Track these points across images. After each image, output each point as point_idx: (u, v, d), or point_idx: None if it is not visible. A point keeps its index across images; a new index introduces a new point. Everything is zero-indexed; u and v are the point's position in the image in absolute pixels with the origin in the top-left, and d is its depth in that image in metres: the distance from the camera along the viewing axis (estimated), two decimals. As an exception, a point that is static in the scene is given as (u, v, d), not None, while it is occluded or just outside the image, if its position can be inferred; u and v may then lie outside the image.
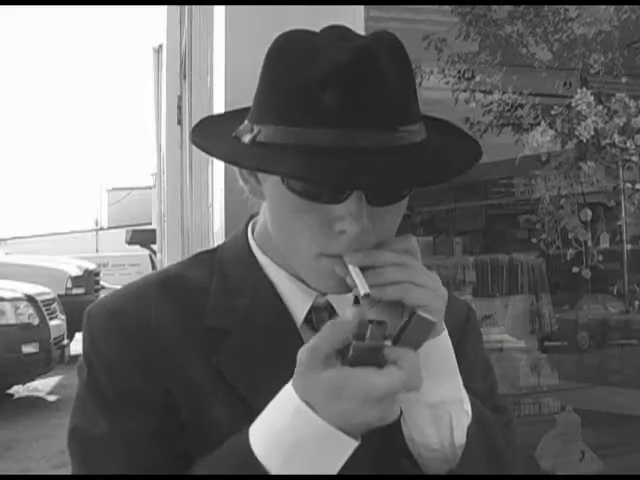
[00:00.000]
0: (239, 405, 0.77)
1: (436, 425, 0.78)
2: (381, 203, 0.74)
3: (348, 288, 0.74)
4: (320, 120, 0.70)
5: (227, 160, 0.80)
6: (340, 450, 0.68)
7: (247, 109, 0.81)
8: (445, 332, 0.78)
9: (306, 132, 0.71)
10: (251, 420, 0.72)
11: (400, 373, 0.66)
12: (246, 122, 0.79)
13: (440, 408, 0.78)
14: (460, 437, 0.79)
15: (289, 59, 0.74)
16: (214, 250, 0.90)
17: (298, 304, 0.83)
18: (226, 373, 0.78)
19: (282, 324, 0.82)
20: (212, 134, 0.83)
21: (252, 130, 0.76)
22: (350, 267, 0.73)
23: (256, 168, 0.78)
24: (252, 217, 0.90)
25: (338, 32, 0.75)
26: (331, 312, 0.83)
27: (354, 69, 0.70)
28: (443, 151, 0.76)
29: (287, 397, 0.68)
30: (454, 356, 0.79)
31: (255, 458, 0.68)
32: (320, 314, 0.83)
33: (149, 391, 0.77)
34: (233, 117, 0.84)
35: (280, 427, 0.68)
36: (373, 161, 0.70)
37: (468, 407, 0.80)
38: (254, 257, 0.85)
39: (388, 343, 0.68)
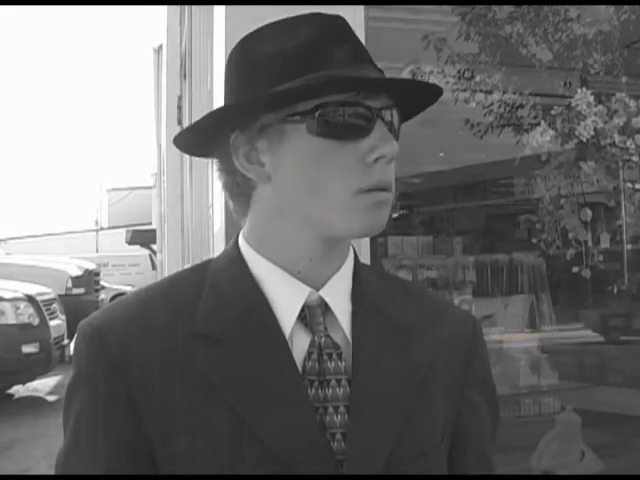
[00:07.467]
0: (225, 411, 0.76)
1: None
2: (397, 127, 0.82)
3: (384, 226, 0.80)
4: (325, 65, 0.79)
5: (243, 107, 0.82)
6: None
7: None
8: None
9: (315, 75, 0.78)
10: (237, 426, 0.74)
11: None
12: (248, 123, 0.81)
13: None
14: None
15: (270, 35, 0.84)
16: (210, 260, 0.90)
17: (290, 302, 0.82)
18: (212, 380, 0.77)
19: (269, 332, 0.81)
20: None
21: (259, 118, 0.80)
22: None
23: (281, 94, 0.79)
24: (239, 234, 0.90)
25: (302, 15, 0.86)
26: (325, 309, 0.82)
27: (331, 32, 0.81)
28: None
29: None
30: None
31: None
32: (313, 311, 0.82)
33: (119, 415, 0.77)
34: None
35: None
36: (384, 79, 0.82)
37: None
38: (244, 264, 0.85)
39: None
